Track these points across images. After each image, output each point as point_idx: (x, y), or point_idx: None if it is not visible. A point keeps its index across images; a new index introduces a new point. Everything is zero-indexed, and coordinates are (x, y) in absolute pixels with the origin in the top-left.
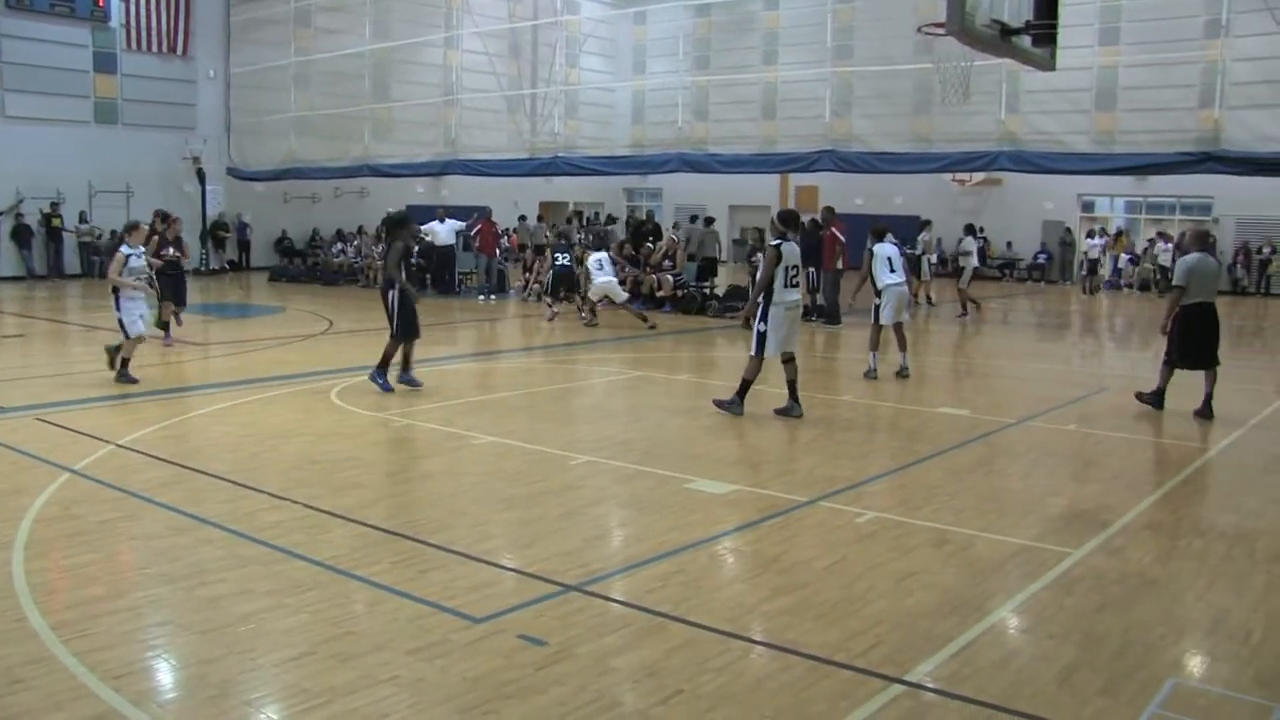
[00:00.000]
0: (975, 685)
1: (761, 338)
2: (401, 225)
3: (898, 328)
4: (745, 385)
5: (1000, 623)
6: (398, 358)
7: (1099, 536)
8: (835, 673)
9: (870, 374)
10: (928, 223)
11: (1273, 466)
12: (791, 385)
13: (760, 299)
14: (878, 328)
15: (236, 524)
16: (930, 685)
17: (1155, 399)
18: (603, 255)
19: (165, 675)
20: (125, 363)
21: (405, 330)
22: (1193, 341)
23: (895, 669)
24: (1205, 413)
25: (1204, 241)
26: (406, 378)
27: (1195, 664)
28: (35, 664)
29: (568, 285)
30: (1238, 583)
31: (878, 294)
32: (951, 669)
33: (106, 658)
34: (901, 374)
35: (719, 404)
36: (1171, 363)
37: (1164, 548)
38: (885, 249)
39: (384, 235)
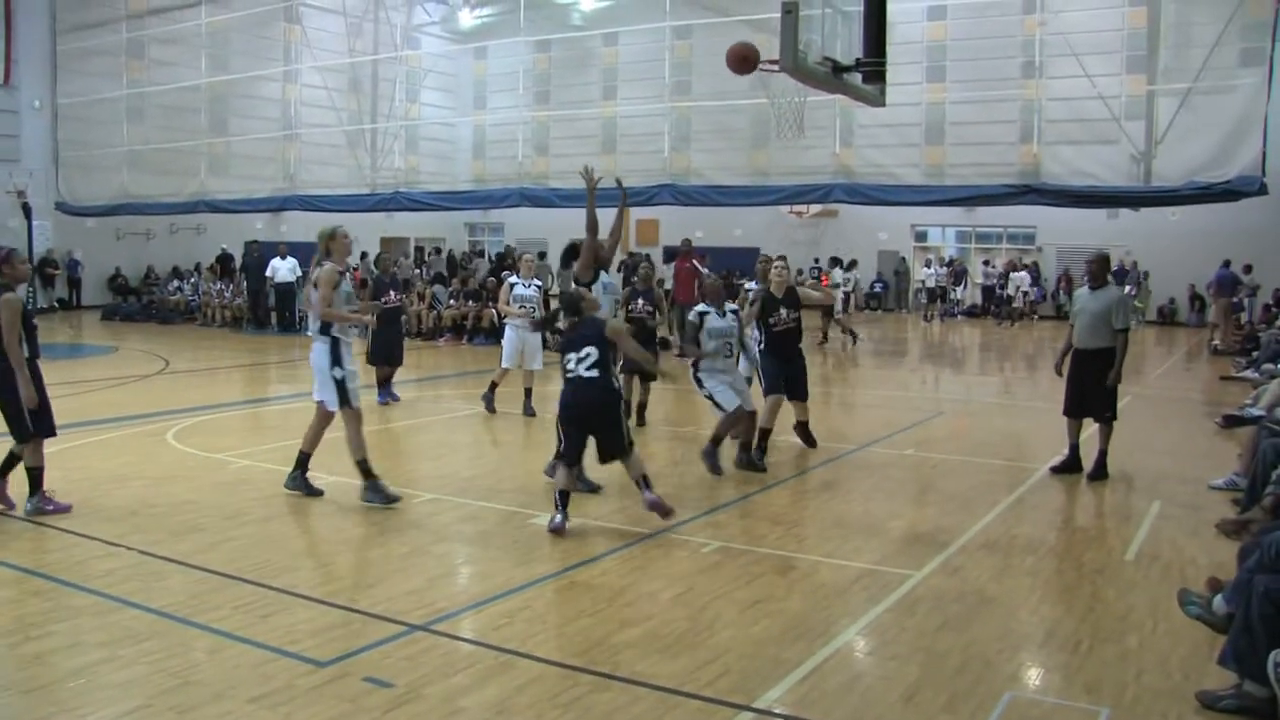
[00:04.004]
0: (822, 709)
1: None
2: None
3: None
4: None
5: (846, 646)
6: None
7: (939, 557)
8: (684, 703)
9: None
10: (854, 263)
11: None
12: None
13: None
14: None
15: (66, 573)
16: (779, 711)
17: None
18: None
19: None
20: None
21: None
22: None
23: (744, 696)
24: None
25: None
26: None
27: (1030, 676)
28: None
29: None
30: (1067, 595)
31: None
32: (799, 694)
33: None
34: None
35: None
36: None
37: (999, 565)
38: None
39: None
